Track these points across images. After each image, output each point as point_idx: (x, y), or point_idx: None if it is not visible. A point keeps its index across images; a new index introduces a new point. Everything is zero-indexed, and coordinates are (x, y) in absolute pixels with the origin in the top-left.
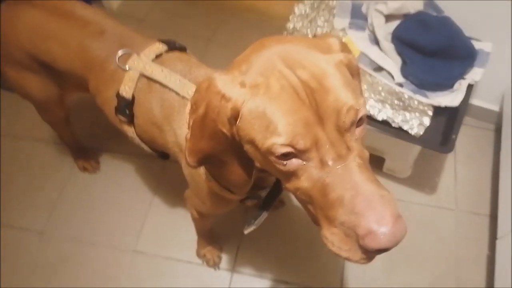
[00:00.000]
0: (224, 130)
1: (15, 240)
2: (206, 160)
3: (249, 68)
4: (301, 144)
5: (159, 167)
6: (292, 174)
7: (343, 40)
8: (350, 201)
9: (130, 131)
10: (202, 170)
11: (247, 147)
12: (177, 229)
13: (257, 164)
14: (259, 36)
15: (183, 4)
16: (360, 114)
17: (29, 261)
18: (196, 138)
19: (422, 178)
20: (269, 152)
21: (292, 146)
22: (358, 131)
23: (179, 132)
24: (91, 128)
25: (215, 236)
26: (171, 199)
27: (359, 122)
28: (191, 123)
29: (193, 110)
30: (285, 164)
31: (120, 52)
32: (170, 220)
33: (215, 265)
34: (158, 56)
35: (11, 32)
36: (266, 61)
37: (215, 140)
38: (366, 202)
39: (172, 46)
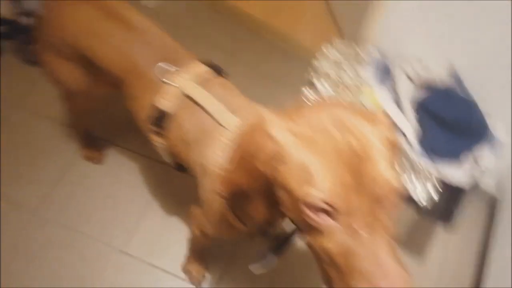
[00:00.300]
0: (263, 169)
1: (5, 214)
2: (237, 193)
3: (301, 120)
4: (337, 205)
5: (164, 172)
6: (317, 229)
7: (367, 90)
8: (372, 275)
9: (158, 141)
10: None
11: (279, 191)
12: (168, 238)
13: (283, 209)
14: (281, 63)
15: (214, 14)
16: (397, 192)
17: (16, 238)
18: (235, 171)
19: (413, 241)
20: (302, 200)
21: (327, 204)
22: (390, 206)
23: (207, 155)
24: (103, 119)
25: (204, 255)
26: (169, 207)
27: (393, 198)
28: (234, 156)
29: (238, 144)
30: (314, 217)
31: (163, 65)
32: (164, 228)
33: (199, 283)
34: (201, 77)
35: (59, 22)
36: (319, 119)
37: (252, 176)
38: (387, 282)
39: (217, 71)
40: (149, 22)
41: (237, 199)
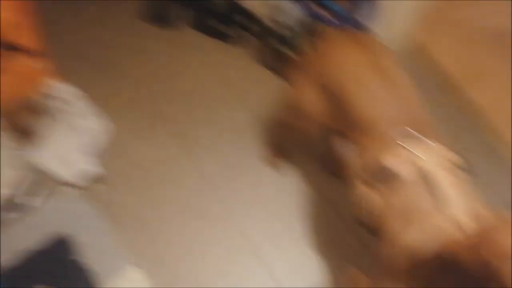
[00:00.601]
0: (487, 257)
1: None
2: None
3: None
4: None
5: (333, 213)
6: None
7: None
8: None
9: (364, 191)
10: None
11: (491, 283)
12: (306, 270)
13: None
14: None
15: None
16: None
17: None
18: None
19: None
20: None
21: None
22: None
23: (414, 234)
24: (299, 137)
25: None
26: (321, 246)
27: None
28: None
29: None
30: None
31: (408, 130)
32: (306, 259)
33: None
34: (441, 159)
35: (326, 57)
36: None
37: (471, 257)
38: None
39: (459, 162)
40: (410, 84)
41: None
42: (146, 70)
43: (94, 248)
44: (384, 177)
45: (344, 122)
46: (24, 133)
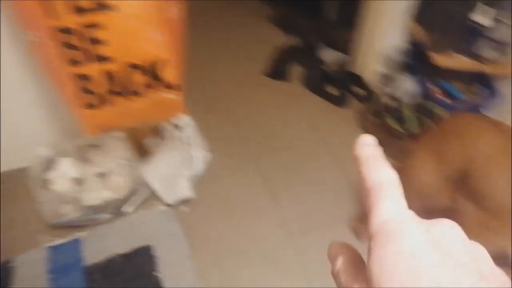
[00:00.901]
0: None
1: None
2: None
3: None
4: None
5: None
6: None
7: None
8: None
9: None
10: None
11: None
12: None
13: None
14: None
15: None
16: None
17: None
18: None
19: None
20: None
21: None
22: None
23: None
24: None
25: None
26: None
27: None
28: None
29: None
30: None
31: None
32: None
33: None
34: None
35: (457, 132)
36: None
37: None
38: None
39: None
40: None
41: None
42: (250, 114)
43: (169, 264)
44: (505, 264)
45: (458, 200)
46: (141, 150)
